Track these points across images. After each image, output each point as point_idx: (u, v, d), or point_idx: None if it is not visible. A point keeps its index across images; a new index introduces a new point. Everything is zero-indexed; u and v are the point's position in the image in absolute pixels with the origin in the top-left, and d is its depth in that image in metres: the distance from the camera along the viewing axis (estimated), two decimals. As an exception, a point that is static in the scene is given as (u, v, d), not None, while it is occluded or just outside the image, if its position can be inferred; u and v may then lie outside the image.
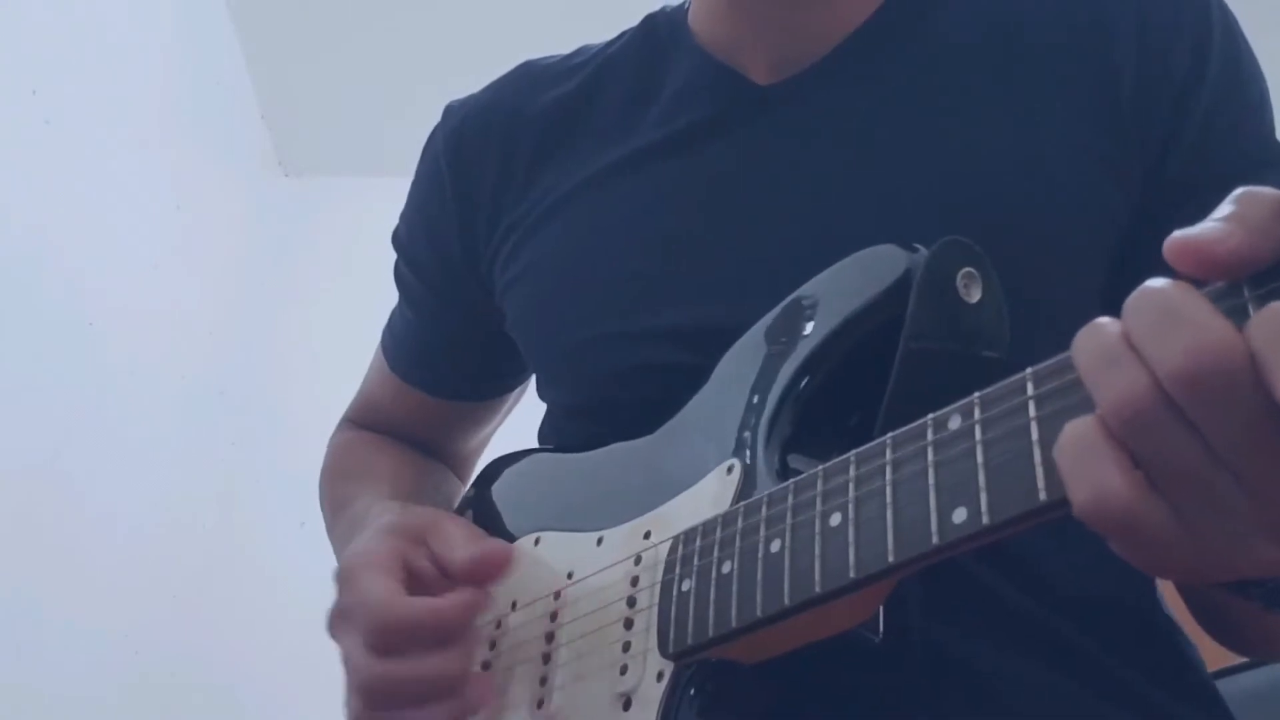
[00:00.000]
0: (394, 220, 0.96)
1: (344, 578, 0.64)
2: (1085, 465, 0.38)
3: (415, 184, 0.92)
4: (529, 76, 0.88)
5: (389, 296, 0.99)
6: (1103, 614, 0.66)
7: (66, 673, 1.99)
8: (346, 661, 0.62)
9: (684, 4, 0.86)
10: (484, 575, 0.64)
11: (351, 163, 2.69)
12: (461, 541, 0.65)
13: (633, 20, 0.88)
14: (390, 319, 1.00)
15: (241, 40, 2.56)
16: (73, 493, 2.05)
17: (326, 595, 0.66)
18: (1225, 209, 0.38)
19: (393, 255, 0.96)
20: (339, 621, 0.64)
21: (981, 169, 0.69)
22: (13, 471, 1.91)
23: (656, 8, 0.88)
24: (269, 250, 2.64)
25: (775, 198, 0.73)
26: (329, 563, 0.95)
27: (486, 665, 0.70)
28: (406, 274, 0.94)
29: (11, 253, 1.92)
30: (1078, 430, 0.39)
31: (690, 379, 0.68)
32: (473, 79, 0.94)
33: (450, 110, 0.90)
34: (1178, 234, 0.37)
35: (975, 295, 0.58)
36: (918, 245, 0.59)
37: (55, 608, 1.98)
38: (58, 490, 2.02)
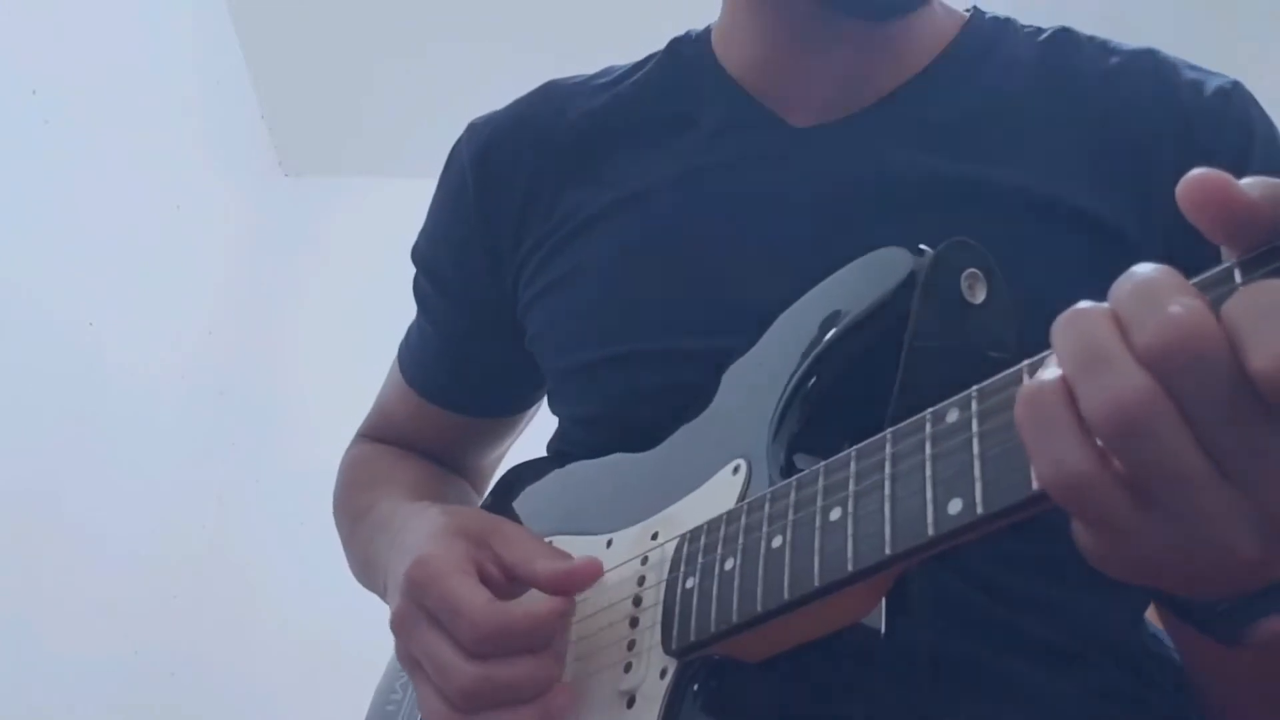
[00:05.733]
0: (394, 220, 0.96)
1: (420, 581, 0.63)
2: (1045, 436, 0.39)
3: (438, 199, 0.92)
4: (556, 96, 0.89)
5: (389, 297, 0.99)
6: (1099, 629, 0.67)
7: (65, 672, 1.99)
8: (432, 662, 0.61)
9: (707, 29, 0.87)
10: (571, 588, 0.63)
11: (352, 163, 2.69)
12: (536, 550, 0.66)
13: (629, 18, 0.88)
14: (407, 335, 0.99)
15: (242, 40, 2.56)
16: (72, 493, 2.05)
17: (325, 595, 0.66)
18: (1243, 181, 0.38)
19: (394, 255, 0.96)
20: (417, 622, 0.63)
21: (1002, 225, 0.70)
22: (12, 471, 1.91)
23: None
24: (269, 250, 2.64)
25: (804, 236, 0.73)
26: (329, 563, 0.96)
27: None
28: (427, 288, 0.94)
29: (12, 253, 1.92)
30: (1037, 395, 0.39)
31: (708, 401, 0.69)
32: (472, 80, 0.95)
33: (475, 126, 0.90)
34: (1199, 169, 0.38)
35: (980, 296, 0.58)
36: (924, 247, 0.60)
37: (54, 607, 1.98)
38: (57, 491, 2.02)
